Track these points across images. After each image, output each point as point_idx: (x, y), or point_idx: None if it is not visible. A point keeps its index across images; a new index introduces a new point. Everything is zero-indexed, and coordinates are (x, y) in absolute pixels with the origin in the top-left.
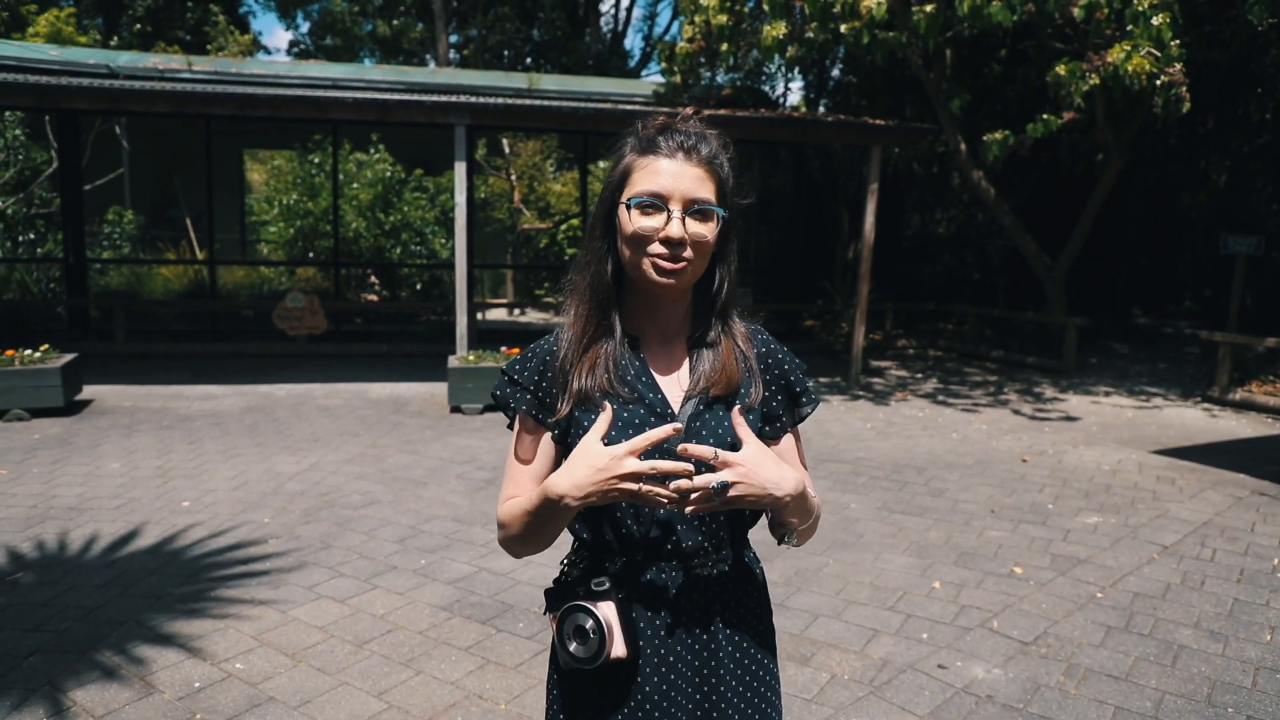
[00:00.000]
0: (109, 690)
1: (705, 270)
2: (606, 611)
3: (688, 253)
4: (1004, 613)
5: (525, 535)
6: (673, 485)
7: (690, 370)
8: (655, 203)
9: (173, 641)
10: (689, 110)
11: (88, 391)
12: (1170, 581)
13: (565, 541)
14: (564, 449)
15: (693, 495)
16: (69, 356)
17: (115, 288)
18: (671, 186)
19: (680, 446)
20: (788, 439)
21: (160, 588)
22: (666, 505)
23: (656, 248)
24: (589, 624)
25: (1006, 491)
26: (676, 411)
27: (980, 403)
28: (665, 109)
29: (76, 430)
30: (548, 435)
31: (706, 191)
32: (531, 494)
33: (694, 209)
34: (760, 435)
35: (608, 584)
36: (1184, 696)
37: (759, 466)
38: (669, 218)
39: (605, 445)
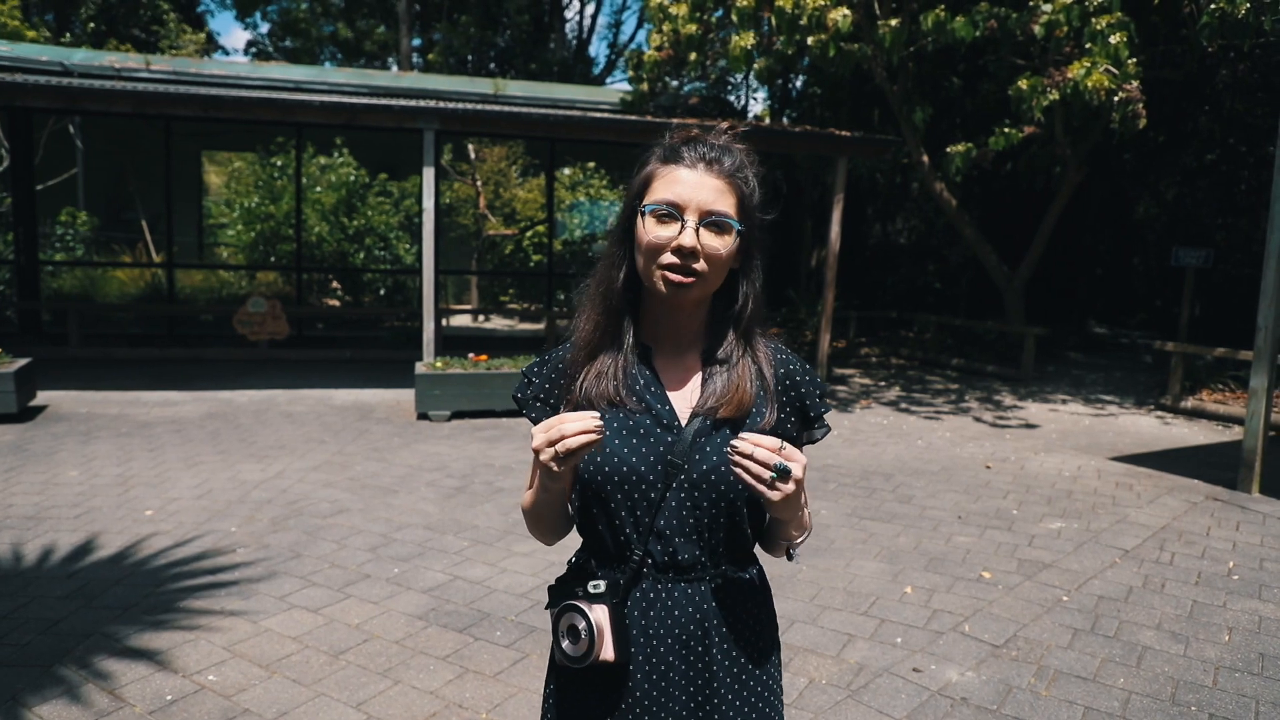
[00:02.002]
0: (76, 705)
1: (726, 286)
2: (599, 615)
3: (700, 265)
4: (975, 616)
5: (533, 515)
6: (737, 444)
7: (701, 386)
8: (671, 211)
9: (141, 654)
10: (724, 124)
11: (42, 397)
12: (1132, 585)
13: (574, 540)
14: None
15: (751, 467)
16: (22, 361)
17: (68, 291)
18: (689, 196)
19: (741, 435)
20: None
21: (126, 599)
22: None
23: (668, 258)
24: (581, 624)
25: (972, 498)
26: (684, 425)
27: (943, 410)
28: (635, 116)
29: (31, 437)
30: None
31: (726, 205)
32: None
33: (709, 220)
34: None
35: (603, 587)
36: (1149, 696)
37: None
38: (683, 227)
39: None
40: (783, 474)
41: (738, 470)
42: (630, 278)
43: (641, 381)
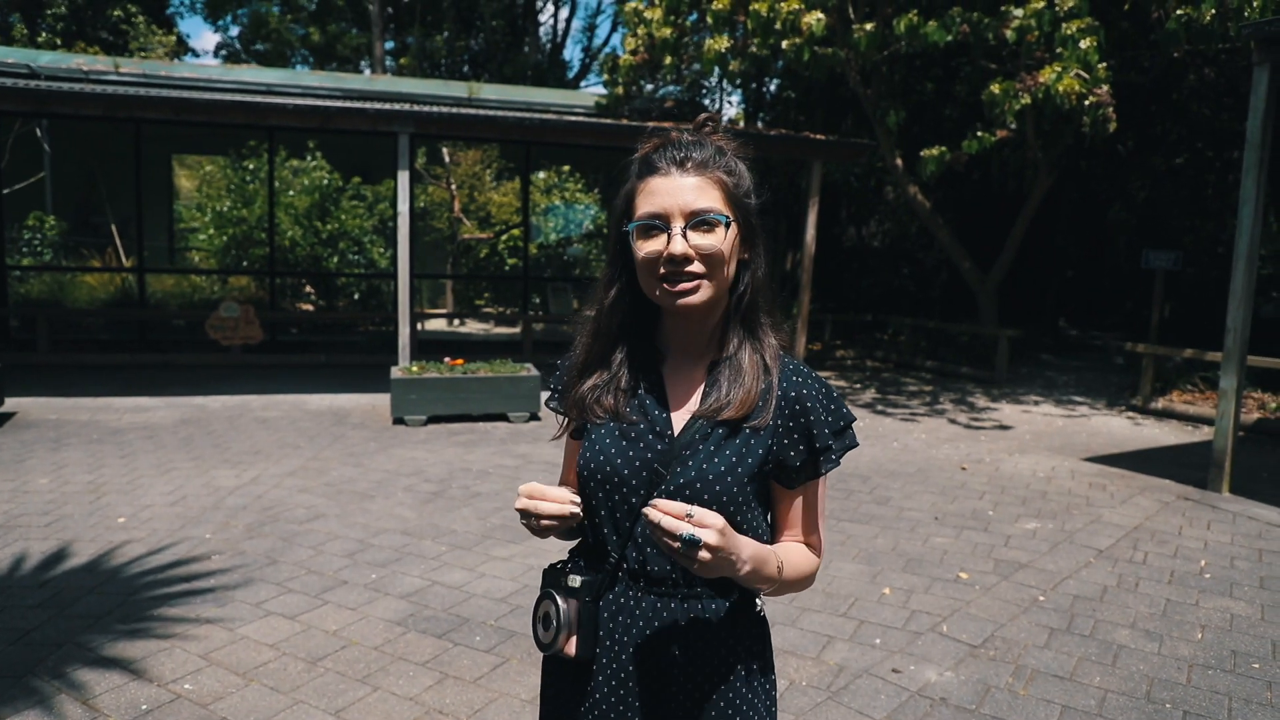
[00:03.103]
0: (49, 716)
1: (738, 282)
2: (570, 609)
3: (696, 268)
4: (953, 617)
5: None
6: (647, 512)
7: (704, 393)
8: (655, 223)
9: (115, 663)
10: (701, 116)
11: (10, 404)
12: (1107, 584)
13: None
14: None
15: (661, 537)
16: None
17: (36, 296)
18: (669, 203)
19: (652, 502)
20: (799, 496)
21: (99, 608)
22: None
23: (663, 269)
24: (554, 614)
25: (948, 499)
26: (677, 434)
27: (918, 412)
28: (609, 120)
29: None
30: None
31: (708, 200)
32: None
33: (695, 220)
34: (773, 478)
35: (579, 584)
36: (1125, 694)
37: (734, 540)
38: (670, 236)
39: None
40: (691, 545)
41: (655, 539)
42: (630, 296)
43: (644, 388)
